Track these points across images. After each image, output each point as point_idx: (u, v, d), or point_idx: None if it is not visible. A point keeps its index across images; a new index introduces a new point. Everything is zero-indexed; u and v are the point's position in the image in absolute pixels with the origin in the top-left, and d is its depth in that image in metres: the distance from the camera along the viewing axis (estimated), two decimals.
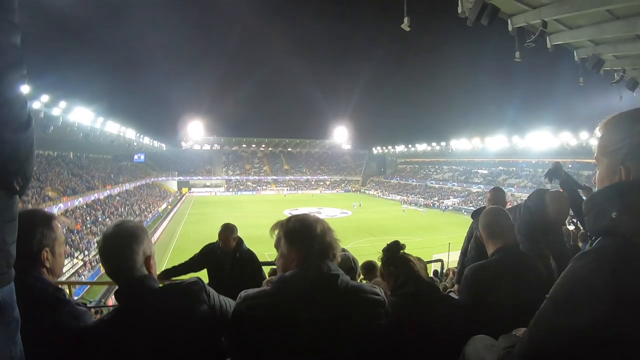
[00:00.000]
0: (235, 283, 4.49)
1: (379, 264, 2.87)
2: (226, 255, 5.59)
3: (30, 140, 1.31)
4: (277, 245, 2.06)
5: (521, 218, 3.38)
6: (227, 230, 5.66)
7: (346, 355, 1.88)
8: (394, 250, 2.67)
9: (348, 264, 4.07)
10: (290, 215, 2.10)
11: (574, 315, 1.16)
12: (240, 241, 5.68)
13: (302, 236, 1.97)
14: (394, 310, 2.29)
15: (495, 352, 1.76)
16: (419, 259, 2.76)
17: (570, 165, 68.97)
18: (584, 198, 4.26)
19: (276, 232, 2.06)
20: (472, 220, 5.22)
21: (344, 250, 4.21)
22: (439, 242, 33.99)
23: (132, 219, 1.86)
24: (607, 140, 1.33)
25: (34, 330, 1.67)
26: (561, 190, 3.96)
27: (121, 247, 1.86)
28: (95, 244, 38.14)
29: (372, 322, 1.97)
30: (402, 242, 2.72)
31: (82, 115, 52.98)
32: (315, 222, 2.01)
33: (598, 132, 1.37)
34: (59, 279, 2.46)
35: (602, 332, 1.10)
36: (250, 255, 5.66)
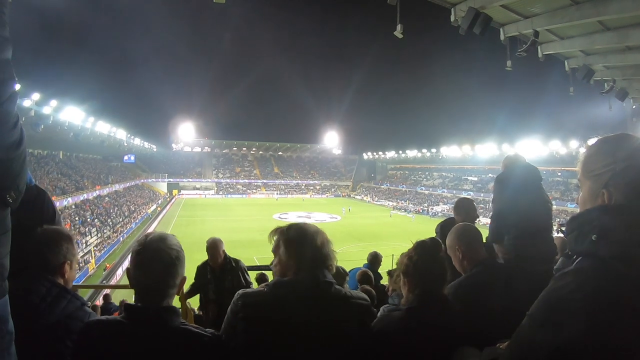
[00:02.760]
0: None
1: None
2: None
3: (23, 156, 1.34)
4: (275, 251, 2.11)
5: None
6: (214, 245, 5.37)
7: (335, 357, 1.94)
8: (434, 250, 2.30)
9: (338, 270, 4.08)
10: (291, 223, 2.15)
11: (553, 333, 1.19)
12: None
13: (302, 246, 2.02)
14: (393, 323, 2.24)
15: None
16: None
17: (559, 174, 69.43)
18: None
19: (275, 237, 2.11)
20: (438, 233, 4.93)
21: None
22: None
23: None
24: (591, 164, 1.37)
25: (52, 320, 1.86)
26: None
27: (164, 265, 1.80)
28: (84, 245, 37.96)
29: (361, 327, 2.04)
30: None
31: (72, 115, 52.58)
32: (315, 234, 2.07)
33: (581, 155, 1.42)
34: None
35: (579, 350, 1.13)
36: None
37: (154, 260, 1.78)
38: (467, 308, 2.43)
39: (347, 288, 2.21)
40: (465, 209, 4.58)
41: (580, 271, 1.25)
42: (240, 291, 2.04)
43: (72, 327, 1.88)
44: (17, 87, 1.29)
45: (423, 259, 2.26)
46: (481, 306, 2.40)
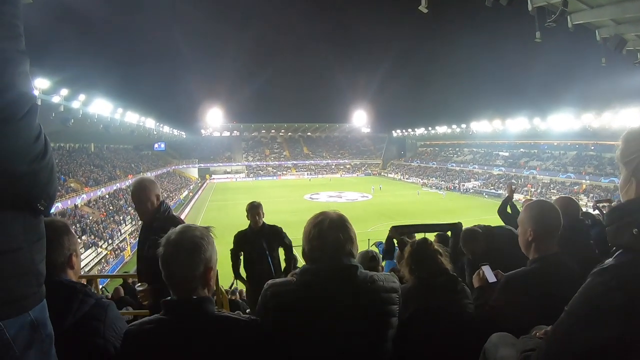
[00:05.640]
0: None
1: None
2: None
3: (49, 166, 1.33)
4: (303, 238, 2.18)
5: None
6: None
7: (364, 338, 2.02)
8: (424, 244, 2.90)
9: (369, 255, 4.15)
10: (322, 211, 2.24)
11: (592, 329, 1.18)
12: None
13: (328, 233, 2.09)
14: (411, 298, 2.54)
15: (515, 351, 1.77)
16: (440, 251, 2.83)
17: (592, 147, 67.75)
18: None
19: (309, 224, 2.18)
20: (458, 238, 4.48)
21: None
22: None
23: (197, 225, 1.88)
24: (625, 149, 1.34)
25: (67, 323, 1.86)
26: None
27: (183, 257, 1.86)
28: (119, 233, 38.76)
29: (388, 308, 2.11)
30: (429, 240, 2.94)
31: (101, 107, 53.58)
32: (341, 220, 2.16)
33: (619, 142, 1.39)
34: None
35: (618, 347, 1.12)
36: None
37: (176, 255, 1.86)
38: (511, 300, 2.42)
39: (382, 271, 2.30)
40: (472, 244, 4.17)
41: (620, 267, 1.21)
42: (270, 281, 2.13)
43: (89, 328, 1.93)
44: (38, 91, 1.27)
45: (416, 250, 2.86)
46: (526, 302, 2.29)
